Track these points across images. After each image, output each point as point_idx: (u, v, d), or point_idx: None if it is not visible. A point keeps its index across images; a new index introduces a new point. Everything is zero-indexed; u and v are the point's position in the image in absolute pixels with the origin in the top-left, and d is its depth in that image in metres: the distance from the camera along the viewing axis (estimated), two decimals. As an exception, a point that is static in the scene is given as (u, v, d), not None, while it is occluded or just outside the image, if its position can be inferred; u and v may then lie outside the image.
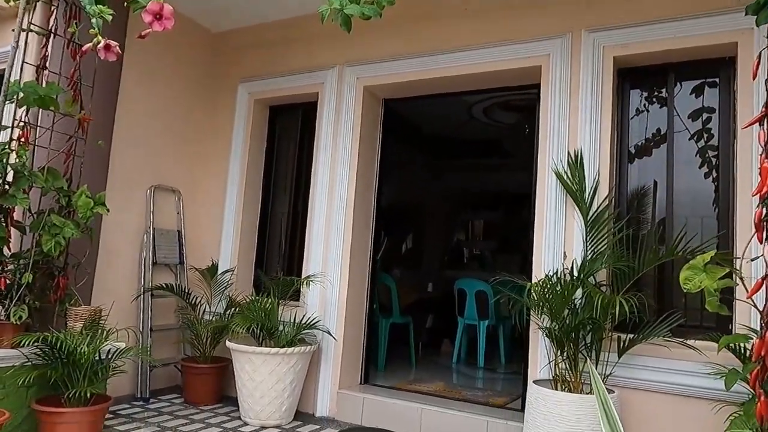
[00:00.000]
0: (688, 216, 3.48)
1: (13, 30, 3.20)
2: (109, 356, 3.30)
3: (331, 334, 4.24)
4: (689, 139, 3.56)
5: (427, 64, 4.22)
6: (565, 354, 3.22)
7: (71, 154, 3.63)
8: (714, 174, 3.46)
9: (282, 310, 4.20)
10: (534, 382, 3.31)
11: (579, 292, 3.27)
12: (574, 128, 3.66)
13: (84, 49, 2.61)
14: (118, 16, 2.52)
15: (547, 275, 3.35)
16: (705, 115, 3.53)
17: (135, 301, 4.43)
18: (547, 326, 3.29)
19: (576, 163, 3.56)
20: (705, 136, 3.53)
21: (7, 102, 3.23)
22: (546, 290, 3.22)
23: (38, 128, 3.55)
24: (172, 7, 2.06)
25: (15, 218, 3.36)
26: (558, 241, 3.60)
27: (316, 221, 4.53)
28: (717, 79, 3.49)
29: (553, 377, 3.29)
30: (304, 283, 4.33)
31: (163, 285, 4.46)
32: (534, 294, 3.29)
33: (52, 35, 3.58)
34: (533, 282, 3.41)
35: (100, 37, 2.54)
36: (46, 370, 3.10)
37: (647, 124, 3.71)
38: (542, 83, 3.83)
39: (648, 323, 3.15)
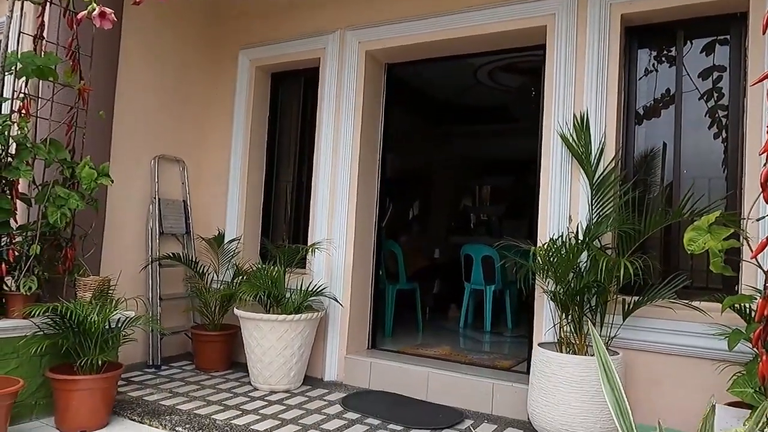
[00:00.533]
0: (695, 177, 3.43)
1: (8, -1, 3.15)
2: (119, 325, 3.35)
3: (337, 301, 4.28)
4: (699, 99, 3.49)
5: (429, 26, 4.13)
6: (569, 317, 3.24)
7: (72, 125, 3.62)
8: (723, 134, 3.40)
9: (288, 278, 4.23)
10: (539, 345, 3.34)
11: (584, 256, 3.27)
12: (580, 90, 3.60)
13: (79, 16, 2.58)
14: (111, -18, 2.47)
15: (552, 239, 3.33)
16: (715, 74, 3.45)
17: (143, 270, 4.47)
18: (552, 290, 3.30)
19: (582, 126, 3.51)
20: (715, 95, 3.45)
21: (5, 73, 3.21)
22: (551, 254, 3.21)
23: (39, 100, 3.53)
24: (165, -30, 2.01)
25: (19, 190, 3.37)
26: (563, 205, 3.58)
27: (321, 189, 4.53)
28: (728, 36, 3.40)
29: (558, 340, 3.31)
30: (310, 250, 4.35)
31: (171, 254, 4.50)
32: (539, 258, 3.29)
33: (48, 3, 3.53)
34: (538, 246, 3.41)
35: (94, 4, 2.50)
36: (58, 339, 3.16)
37: (656, 84, 3.64)
38: (548, 44, 3.75)
39: (653, 285, 3.15)
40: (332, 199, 4.47)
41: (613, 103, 3.52)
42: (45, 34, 3.51)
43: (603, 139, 3.48)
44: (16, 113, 3.36)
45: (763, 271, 1.81)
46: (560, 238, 3.30)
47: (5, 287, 3.27)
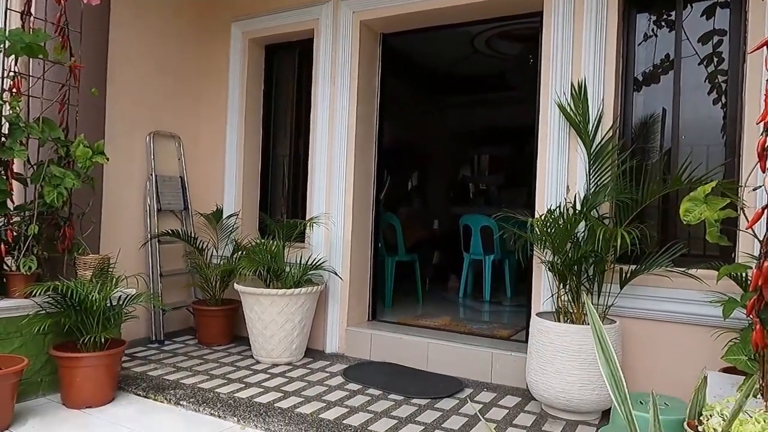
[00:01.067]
0: (694, 144, 3.41)
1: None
2: (121, 302, 3.37)
3: (337, 274, 4.31)
4: (699, 64, 3.43)
5: (424, -6, 4.05)
6: (567, 287, 3.26)
7: (65, 103, 3.58)
8: (723, 100, 3.36)
9: (288, 252, 4.25)
10: (537, 314, 3.37)
11: (581, 226, 3.27)
12: (577, 57, 3.55)
13: (65, -8, 2.53)
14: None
15: (549, 209, 3.33)
16: (715, 38, 3.39)
17: (142, 248, 4.49)
18: (550, 260, 3.31)
19: (579, 94, 3.47)
20: (715, 60, 3.40)
21: (-6, 51, 3.16)
22: (548, 225, 3.21)
23: (30, 78, 3.49)
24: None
25: (15, 170, 3.36)
26: (561, 175, 3.56)
27: (318, 162, 4.51)
28: (729, -1, 3.33)
29: (556, 309, 3.34)
30: (309, 224, 4.36)
31: (170, 231, 4.51)
32: (536, 229, 3.30)
33: (33, -21, 3.45)
34: (536, 217, 3.41)
35: (80, -20, 2.45)
36: (60, 317, 3.19)
37: (655, 49, 3.58)
38: (545, 10, 3.68)
39: (650, 254, 3.16)
40: (329, 172, 4.45)
41: (611, 70, 3.47)
42: (32, 11, 3.45)
43: (601, 108, 3.45)
44: (6, 92, 3.32)
45: (759, 241, 1.81)
46: (558, 209, 3.30)
47: (5, 267, 3.29)
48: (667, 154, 3.49)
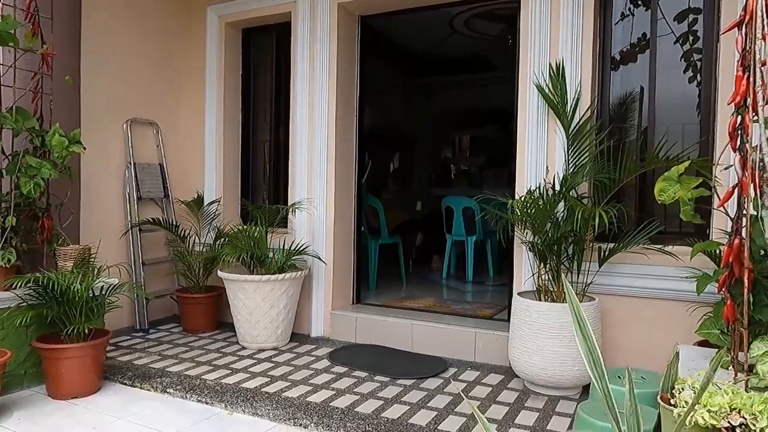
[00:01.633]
0: (670, 124, 3.46)
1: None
2: (103, 292, 3.36)
3: (320, 259, 4.32)
4: (674, 43, 3.47)
5: (402, -24, 4.02)
6: (548, 266, 3.31)
7: (38, 92, 3.51)
8: (698, 79, 3.41)
9: (271, 238, 4.25)
10: (518, 294, 3.43)
11: (561, 206, 3.32)
12: (555, 38, 3.56)
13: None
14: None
15: (529, 191, 3.37)
16: (691, 17, 3.43)
17: (123, 237, 4.45)
18: (531, 240, 3.36)
19: (558, 75, 3.49)
20: (690, 38, 3.44)
21: (-38, 40, 3.08)
22: (528, 205, 3.26)
23: (0, 67, 3.41)
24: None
25: (-11, 162, 3.30)
26: (540, 156, 3.60)
27: (299, 147, 4.49)
28: (704, -23, 3.36)
29: (537, 288, 3.40)
30: (291, 210, 4.35)
31: (150, 219, 4.48)
32: (517, 210, 3.34)
33: (0, -36, 3.36)
34: (516, 199, 3.45)
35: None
36: (42, 309, 3.17)
37: (632, 28, 3.61)
38: (522, -10, 3.68)
39: (628, 232, 3.22)
40: (311, 156, 4.44)
41: (588, 50, 3.50)
42: (0, -3, 3.36)
43: (579, 89, 3.48)
44: (-23, 82, 3.25)
45: (731, 218, 1.86)
46: (537, 190, 3.34)
47: (-17, 260, 3.25)
48: (644, 133, 3.55)
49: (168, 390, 3.22)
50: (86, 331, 3.20)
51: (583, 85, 3.48)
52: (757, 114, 1.67)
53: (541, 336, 3.12)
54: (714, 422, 1.34)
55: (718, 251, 2.66)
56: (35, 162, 3.29)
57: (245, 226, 4.34)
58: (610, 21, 3.61)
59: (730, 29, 1.88)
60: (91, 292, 3.23)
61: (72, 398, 3.13)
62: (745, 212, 1.75)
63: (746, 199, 1.73)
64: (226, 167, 4.91)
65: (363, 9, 4.49)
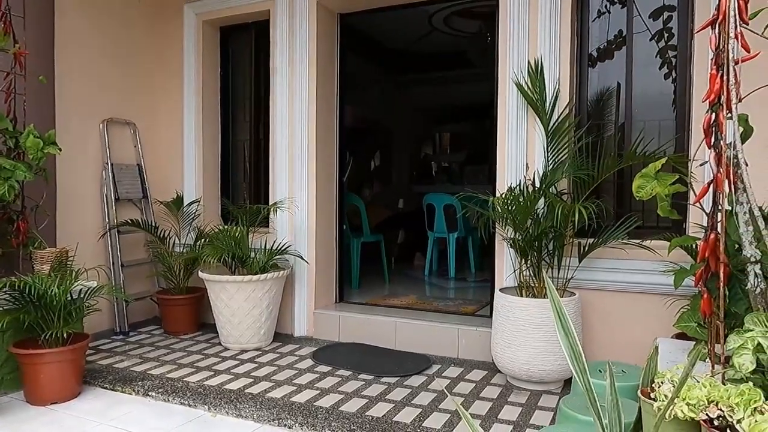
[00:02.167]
0: (647, 120, 3.52)
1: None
2: (82, 296, 3.31)
3: (302, 258, 4.31)
4: (650, 40, 3.52)
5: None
6: (529, 262, 3.35)
7: (11, 92, 3.44)
8: (674, 75, 3.47)
9: (252, 238, 4.22)
10: (500, 290, 3.46)
11: (541, 203, 3.35)
12: (534, 35, 3.59)
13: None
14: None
15: (510, 188, 3.40)
16: (666, 14, 3.48)
17: (102, 239, 4.38)
18: (512, 237, 3.39)
19: (536, 73, 3.52)
20: (665, 35, 3.49)
21: (-69, 40, 3.01)
22: (509, 202, 3.28)
23: (-29, 66, 3.34)
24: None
25: (-39, 164, 3.23)
26: (520, 153, 3.63)
27: (279, 146, 4.46)
28: (677, -25, 3.42)
29: (518, 284, 3.43)
30: (272, 209, 4.33)
31: (129, 221, 4.41)
32: (498, 207, 3.36)
33: (-31, -39, 3.28)
34: (497, 196, 3.47)
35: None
36: (19, 314, 3.10)
37: (608, 25, 3.65)
38: (500, -12, 3.70)
39: (607, 228, 3.27)
40: (291, 155, 4.42)
41: (566, 47, 3.53)
42: (-30, -5, 3.28)
43: (557, 86, 3.51)
44: (-53, 82, 3.18)
45: (707, 214, 1.90)
46: (518, 187, 3.37)
47: (-43, 265, 3.18)
48: (621, 130, 3.60)
49: (150, 393, 3.19)
50: (65, 335, 3.15)
51: (561, 82, 3.52)
52: (731, 111, 1.70)
53: (523, 331, 3.15)
54: (693, 415, 1.37)
55: (694, 246, 2.71)
56: (9, 164, 3.22)
57: (226, 227, 4.30)
58: (587, 18, 3.65)
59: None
60: (69, 295, 3.18)
61: (51, 404, 3.08)
62: (720, 208, 1.78)
63: (721, 195, 1.76)
64: (205, 167, 4.87)
65: (342, 7, 4.48)
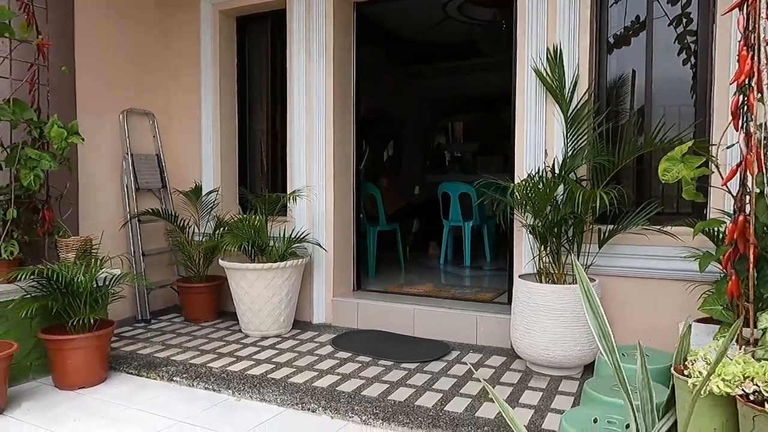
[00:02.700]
0: (666, 105, 3.50)
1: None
2: (107, 283, 3.36)
3: (321, 246, 4.34)
4: (668, 25, 3.50)
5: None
6: (548, 248, 3.36)
7: (35, 83, 3.49)
8: (692, 60, 3.44)
9: (271, 226, 4.26)
10: (520, 276, 3.47)
11: (560, 189, 3.35)
12: (552, 20, 3.58)
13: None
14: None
15: (529, 174, 3.40)
16: (684, -1, 3.45)
17: (123, 228, 4.44)
18: (531, 224, 3.40)
19: (555, 59, 3.51)
20: (684, 20, 3.47)
21: (-43, 31, 3.05)
22: (528, 189, 3.29)
23: (-4, 58, 3.38)
24: None
25: (-12, 154, 3.28)
26: (539, 140, 3.63)
27: (297, 135, 4.49)
28: (698, -41, 3.38)
29: (538, 271, 3.44)
30: (290, 198, 4.36)
31: (150, 210, 4.47)
32: (517, 194, 3.37)
33: (-7, -47, 3.32)
34: (516, 183, 3.48)
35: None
36: (47, 301, 3.16)
37: (626, 11, 3.63)
38: (519, -25, 3.69)
39: (627, 214, 3.26)
40: (309, 144, 4.44)
41: (585, 33, 3.52)
42: (-6, -13, 3.32)
43: (576, 72, 3.50)
44: (-27, 73, 3.22)
45: (733, 196, 1.90)
46: (537, 173, 3.37)
47: (-14, 253, 3.24)
48: (641, 116, 3.58)
49: (174, 378, 3.24)
50: (91, 321, 3.21)
51: (580, 68, 3.51)
52: (761, 93, 1.70)
53: (543, 317, 3.16)
54: (728, 390, 1.38)
55: (718, 230, 2.71)
56: (35, 154, 3.27)
57: (245, 215, 4.35)
58: (606, 3, 3.63)
59: (731, 10, 1.91)
60: (95, 282, 3.23)
61: (79, 388, 3.14)
62: (749, 190, 1.78)
63: (751, 177, 1.77)
64: (223, 156, 4.90)
65: (358, -5, 4.48)
